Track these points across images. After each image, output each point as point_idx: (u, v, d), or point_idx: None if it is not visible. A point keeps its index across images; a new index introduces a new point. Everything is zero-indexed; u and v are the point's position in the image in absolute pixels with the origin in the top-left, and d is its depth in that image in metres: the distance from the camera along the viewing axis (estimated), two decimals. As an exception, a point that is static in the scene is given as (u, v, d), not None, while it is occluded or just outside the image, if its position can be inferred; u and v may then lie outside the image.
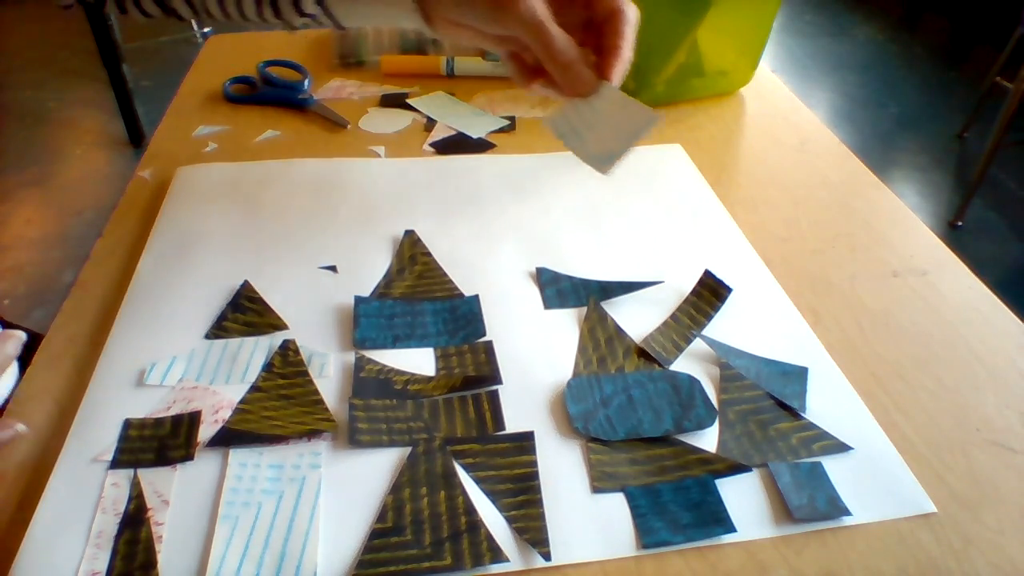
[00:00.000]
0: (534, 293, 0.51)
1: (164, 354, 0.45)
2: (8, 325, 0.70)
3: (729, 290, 0.50)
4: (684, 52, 0.72)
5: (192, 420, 0.41)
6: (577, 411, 0.42)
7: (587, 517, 0.37)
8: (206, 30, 2.90)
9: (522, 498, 0.38)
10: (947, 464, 0.41)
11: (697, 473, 0.39)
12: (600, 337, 0.48)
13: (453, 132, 0.70)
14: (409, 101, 0.75)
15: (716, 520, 0.37)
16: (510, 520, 0.37)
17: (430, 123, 0.72)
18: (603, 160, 0.48)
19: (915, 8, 3.48)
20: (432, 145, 0.68)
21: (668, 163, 0.66)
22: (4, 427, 0.39)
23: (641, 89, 0.74)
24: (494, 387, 0.44)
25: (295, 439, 0.40)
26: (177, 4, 0.54)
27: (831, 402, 0.44)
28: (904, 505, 0.38)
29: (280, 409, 0.42)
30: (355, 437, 0.40)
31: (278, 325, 0.47)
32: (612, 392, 0.44)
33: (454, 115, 0.73)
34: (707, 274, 0.51)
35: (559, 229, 0.57)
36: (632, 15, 0.50)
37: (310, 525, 0.36)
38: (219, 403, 0.42)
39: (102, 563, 0.34)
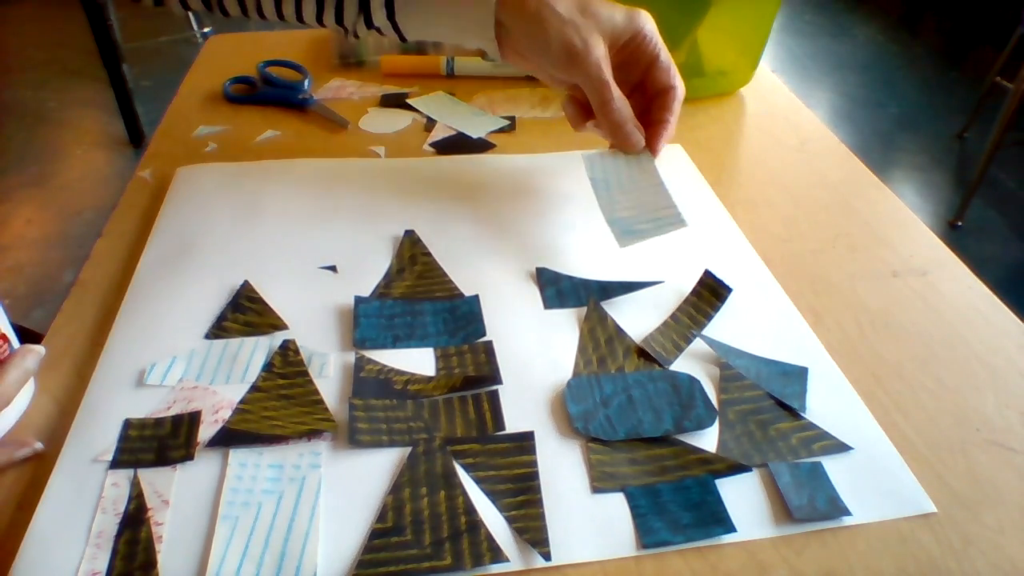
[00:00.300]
0: (534, 293, 0.51)
1: (164, 354, 0.45)
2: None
3: (729, 290, 0.50)
4: (684, 52, 0.72)
5: (192, 420, 0.41)
6: (577, 411, 0.42)
7: (587, 517, 0.37)
8: (206, 30, 2.90)
9: (522, 498, 0.38)
10: (947, 464, 0.41)
11: (697, 473, 0.39)
12: (600, 337, 0.48)
13: (453, 132, 0.70)
14: (409, 101, 0.75)
15: (716, 520, 0.37)
16: (510, 520, 0.37)
17: (430, 123, 0.72)
18: (623, 232, 0.52)
19: (915, 8, 3.48)
20: (432, 145, 0.68)
21: (668, 163, 0.66)
22: (22, 445, 0.39)
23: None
24: (494, 387, 0.44)
25: (295, 439, 0.40)
26: (228, 2, 0.55)
27: (831, 402, 0.44)
28: (904, 505, 0.38)
29: (280, 409, 0.42)
30: (355, 437, 0.40)
31: (278, 325, 0.47)
32: (612, 392, 0.44)
33: (454, 115, 0.73)
34: (707, 274, 0.51)
35: (559, 229, 0.57)
36: (681, 93, 0.55)
37: (310, 525, 0.36)
38: (219, 403, 0.42)
39: (102, 563, 0.34)
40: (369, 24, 0.54)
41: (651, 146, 0.54)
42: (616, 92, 0.51)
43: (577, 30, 0.50)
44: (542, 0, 0.50)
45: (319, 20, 0.55)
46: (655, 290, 0.51)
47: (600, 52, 0.50)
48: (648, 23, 0.53)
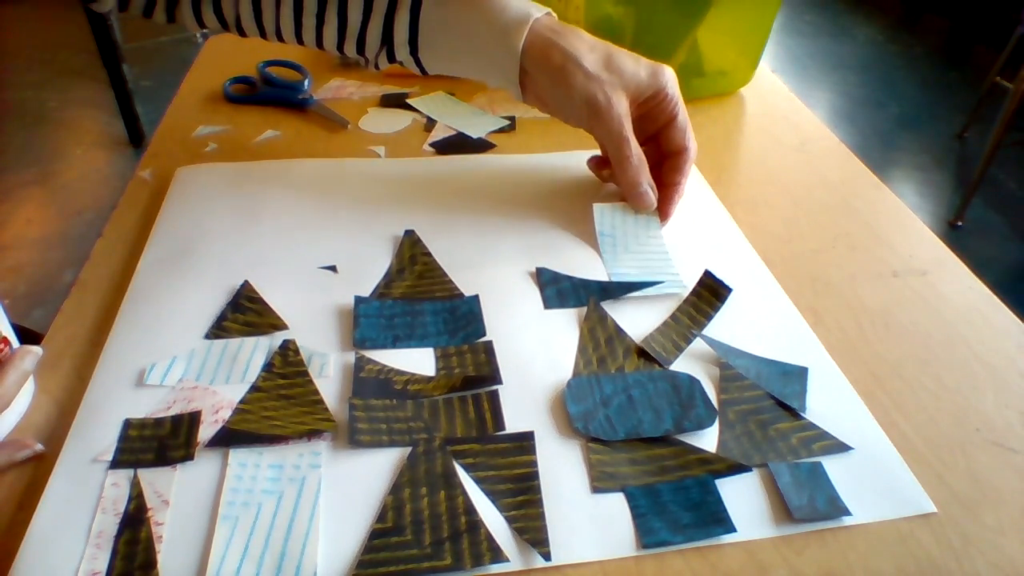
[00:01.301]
0: (534, 293, 0.51)
1: (164, 354, 0.45)
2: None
3: (729, 290, 0.50)
4: (684, 52, 0.72)
5: (192, 420, 0.41)
6: (577, 411, 0.42)
7: (587, 517, 0.37)
8: (206, 30, 2.90)
9: (522, 498, 0.38)
10: (947, 464, 0.41)
11: (697, 473, 0.39)
12: (600, 337, 0.48)
13: (453, 132, 0.70)
14: (409, 101, 0.75)
15: (716, 520, 0.37)
16: (510, 520, 0.37)
17: (430, 123, 0.72)
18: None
19: (915, 8, 3.48)
20: (432, 145, 0.68)
21: (668, 163, 0.66)
22: (22, 447, 0.39)
23: (641, 89, 0.74)
24: (494, 387, 0.44)
25: (295, 439, 0.40)
26: (246, 23, 0.55)
27: (831, 402, 0.44)
28: (904, 505, 0.38)
29: (280, 409, 0.42)
30: (355, 437, 0.40)
31: (278, 325, 0.47)
32: (612, 392, 0.44)
33: (454, 115, 0.73)
34: (707, 274, 0.51)
35: (559, 229, 0.57)
36: (694, 154, 0.56)
37: (310, 525, 0.36)
38: (219, 403, 0.42)
39: (102, 563, 0.34)
40: (391, 58, 0.54)
41: (662, 209, 0.55)
42: (636, 149, 0.52)
43: (601, 86, 0.50)
44: (567, 54, 0.50)
45: (339, 48, 0.55)
46: (655, 290, 0.51)
47: (623, 108, 0.51)
48: (671, 81, 0.53)
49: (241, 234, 0.55)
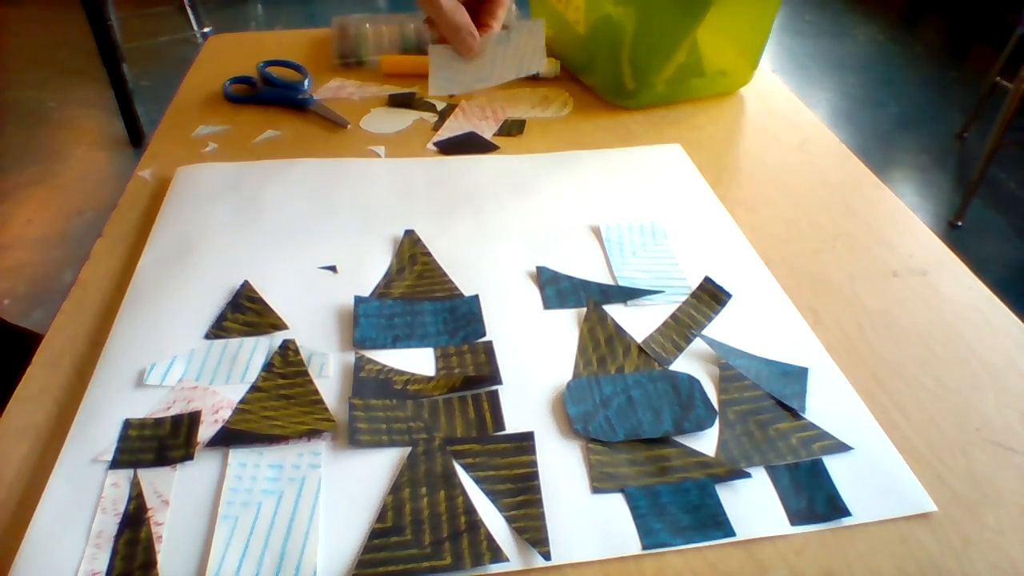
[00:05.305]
0: (534, 293, 0.51)
1: (164, 354, 0.45)
2: (8, 325, 0.70)
3: (729, 296, 0.50)
4: (684, 52, 0.72)
5: (192, 420, 0.41)
6: (577, 413, 0.42)
7: (587, 517, 0.37)
8: (206, 30, 2.90)
9: (522, 498, 0.38)
10: (947, 464, 0.41)
11: (697, 476, 0.39)
12: (600, 337, 0.48)
13: (461, 132, 0.70)
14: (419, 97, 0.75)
15: (715, 523, 0.37)
16: (510, 520, 0.37)
17: (439, 122, 0.71)
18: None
19: (915, 8, 3.48)
20: (436, 144, 0.68)
21: (668, 163, 0.66)
22: None
23: (641, 89, 0.74)
24: (494, 387, 0.44)
25: (295, 439, 0.40)
26: None
27: (831, 402, 0.44)
28: (904, 505, 0.38)
29: (280, 409, 0.42)
30: (355, 437, 0.40)
31: (278, 325, 0.47)
32: (612, 393, 0.44)
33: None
34: (707, 280, 0.51)
35: (559, 229, 0.57)
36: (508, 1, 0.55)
37: (310, 525, 0.36)
38: (219, 403, 0.42)
39: (102, 563, 0.34)
40: None
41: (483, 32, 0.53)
42: (447, 3, 0.51)
43: None
44: None
45: None
46: (658, 298, 0.51)
47: None
48: None
49: (241, 234, 0.55)
